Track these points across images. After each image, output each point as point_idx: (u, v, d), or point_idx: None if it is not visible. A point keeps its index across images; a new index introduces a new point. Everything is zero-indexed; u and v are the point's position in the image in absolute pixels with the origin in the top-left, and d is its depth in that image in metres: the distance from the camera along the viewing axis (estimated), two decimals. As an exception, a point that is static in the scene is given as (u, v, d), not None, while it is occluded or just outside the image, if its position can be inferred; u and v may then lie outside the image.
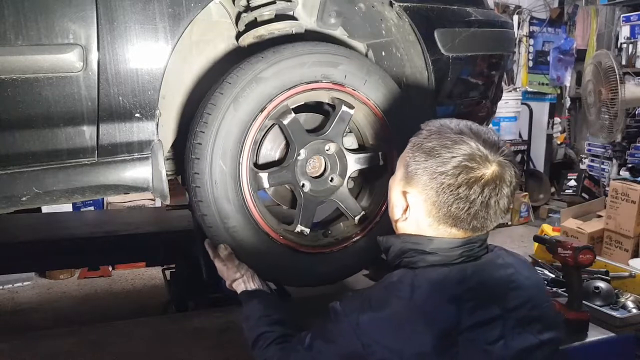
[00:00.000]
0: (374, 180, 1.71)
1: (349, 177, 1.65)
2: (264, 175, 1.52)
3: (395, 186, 1.08)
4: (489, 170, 0.96)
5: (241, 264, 1.45)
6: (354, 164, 1.63)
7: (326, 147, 1.58)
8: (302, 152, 1.55)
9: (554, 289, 1.92)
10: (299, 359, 1.09)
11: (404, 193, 1.05)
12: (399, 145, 1.63)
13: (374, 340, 0.95)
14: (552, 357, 1.06)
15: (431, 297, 0.96)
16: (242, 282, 1.41)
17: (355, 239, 1.64)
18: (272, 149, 1.62)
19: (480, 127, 1.02)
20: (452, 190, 0.97)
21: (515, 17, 5.97)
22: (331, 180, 1.60)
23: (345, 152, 1.61)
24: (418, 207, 1.03)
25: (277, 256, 1.52)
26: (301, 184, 1.55)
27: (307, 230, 1.58)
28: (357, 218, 1.65)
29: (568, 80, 6.33)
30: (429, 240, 1.02)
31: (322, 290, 1.99)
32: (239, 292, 1.41)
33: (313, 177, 1.58)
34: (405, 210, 1.05)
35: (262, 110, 1.46)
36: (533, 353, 1.01)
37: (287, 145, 1.58)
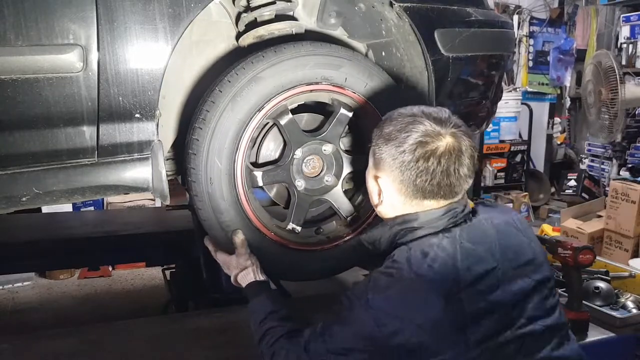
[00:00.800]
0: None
1: (345, 177, 1.65)
2: (258, 174, 1.53)
3: (368, 174, 1.18)
4: (443, 142, 1.05)
5: (252, 253, 1.47)
6: (349, 165, 1.63)
7: (323, 148, 1.58)
8: (299, 152, 1.55)
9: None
10: (310, 345, 1.11)
11: (375, 178, 1.14)
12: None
13: (385, 314, 0.99)
14: (550, 295, 1.12)
15: (428, 263, 1.01)
16: (252, 271, 1.42)
17: (347, 238, 1.65)
18: (273, 149, 1.63)
19: (432, 108, 1.12)
20: (412, 166, 1.06)
21: (515, 17, 5.97)
22: (326, 180, 1.60)
23: (342, 154, 1.61)
24: (389, 189, 1.12)
25: (267, 252, 1.53)
26: (296, 183, 1.56)
27: (299, 229, 1.59)
28: (349, 218, 1.66)
29: (568, 80, 6.33)
30: (414, 216, 1.09)
31: (321, 290, 1.99)
32: (247, 282, 1.41)
33: (308, 177, 1.58)
34: (380, 194, 1.14)
35: (259, 110, 1.46)
36: (531, 294, 1.07)
37: (286, 144, 1.58)
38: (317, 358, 1.09)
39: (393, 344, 0.98)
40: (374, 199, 1.17)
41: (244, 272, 1.42)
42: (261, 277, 1.42)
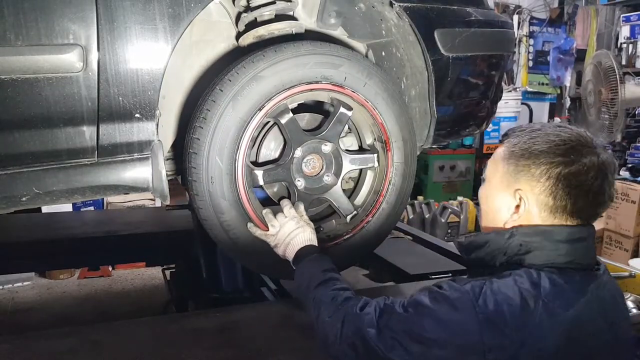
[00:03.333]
0: (369, 180, 1.71)
1: (344, 176, 1.65)
2: (259, 173, 1.53)
3: (498, 189, 1.05)
4: (595, 157, 0.96)
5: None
6: (349, 164, 1.63)
7: (323, 147, 1.58)
8: (299, 151, 1.55)
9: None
10: (383, 319, 1.00)
11: (516, 191, 1.01)
12: (394, 147, 1.65)
13: (496, 327, 0.89)
14: None
15: (558, 293, 0.92)
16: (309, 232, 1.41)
17: (346, 236, 1.65)
18: (273, 148, 1.63)
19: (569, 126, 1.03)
20: (570, 180, 0.96)
21: (515, 17, 5.97)
22: (325, 179, 1.60)
23: (341, 152, 1.62)
24: (531, 202, 1.00)
25: (268, 250, 1.53)
26: (296, 182, 1.56)
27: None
28: (349, 217, 1.66)
29: (568, 80, 6.33)
30: (543, 229, 0.98)
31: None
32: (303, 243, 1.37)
33: (308, 175, 1.58)
34: (518, 209, 1.02)
35: (260, 109, 1.47)
36: None
37: (286, 143, 1.59)
38: (388, 334, 0.98)
39: (488, 357, 0.88)
40: (503, 217, 1.04)
41: (305, 233, 1.39)
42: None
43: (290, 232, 1.41)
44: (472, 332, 0.89)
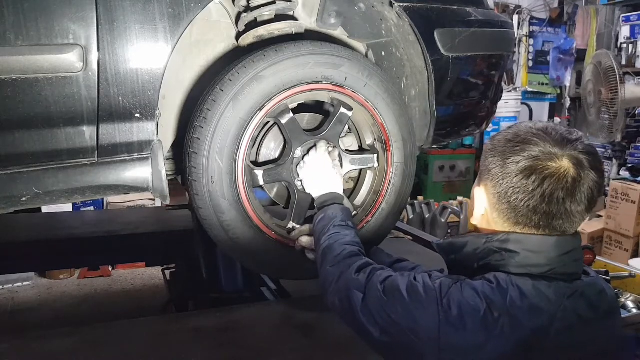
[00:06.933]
0: (369, 180, 1.71)
1: (344, 176, 1.65)
2: (259, 173, 1.53)
3: (476, 183, 1.06)
4: (556, 164, 0.91)
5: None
6: (349, 164, 1.63)
7: None
8: (299, 151, 1.55)
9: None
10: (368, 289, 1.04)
11: (480, 188, 1.03)
12: (394, 148, 1.65)
13: (455, 327, 0.90)
14: None
15: (525, 307, 0.90)
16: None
17: None
18: (273, 148, 1.63)
19: (562, 128, 0.97)
20: (510, 179, 0.94)
21: (515, 17, 5.98)
22: None
23: (341, 153, 1.62)
24: (483, 201, 1.01)
25: (268, 250, 1.53)
26: (296, 182, 1.56)
27: (299, 227, 1.58)
28: None
29: (568, 80, 6.33)
30: (519, 237, 0.95)
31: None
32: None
33: None
34: (475, 205, 1.04)
35: (260, 109, 1.47)
36: None
37: (286, 143, 1.59)
38: (367, 309, 1.02)
39: (443, 356, 0.90)
40: (476, 213, 1.05)
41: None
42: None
43: (325, 167, 1.48)
44: (432, 329, 0.91)
